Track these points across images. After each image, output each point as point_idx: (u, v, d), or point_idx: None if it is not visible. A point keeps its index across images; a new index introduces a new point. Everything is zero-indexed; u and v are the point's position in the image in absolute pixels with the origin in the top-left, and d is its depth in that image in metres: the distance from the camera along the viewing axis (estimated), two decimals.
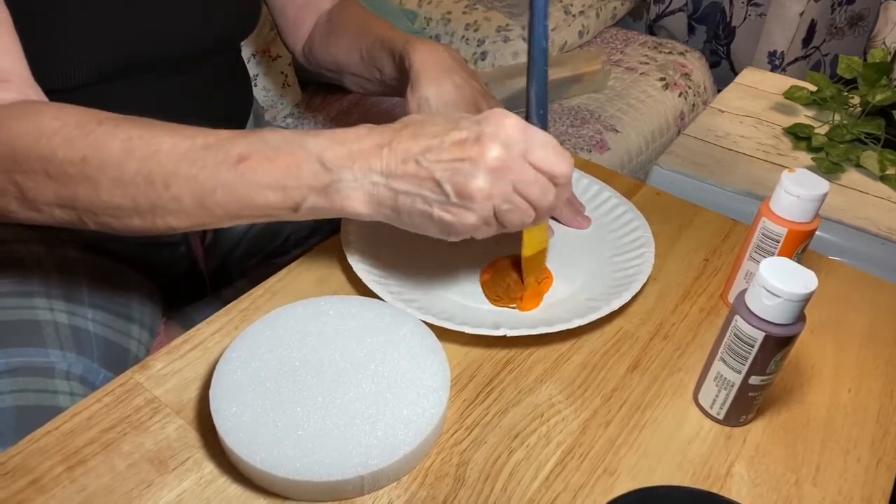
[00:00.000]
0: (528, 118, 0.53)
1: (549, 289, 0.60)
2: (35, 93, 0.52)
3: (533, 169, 0.46)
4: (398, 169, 0.45)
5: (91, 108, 0.48)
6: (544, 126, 0.53)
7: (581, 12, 1.68)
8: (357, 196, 0.46)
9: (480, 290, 0.59)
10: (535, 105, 0.53)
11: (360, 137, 0.46)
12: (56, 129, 0.46)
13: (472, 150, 0.44)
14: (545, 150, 0.46)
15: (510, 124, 0.45)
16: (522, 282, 0.58)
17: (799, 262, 0.53)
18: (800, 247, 0.54)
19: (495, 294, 0.58)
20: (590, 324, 0.54)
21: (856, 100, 1.27)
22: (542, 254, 0.58)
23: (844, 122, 1.22)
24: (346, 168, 0.45)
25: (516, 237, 0.55)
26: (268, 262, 0.82)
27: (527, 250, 0.57)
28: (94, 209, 0.47)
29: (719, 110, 1.33)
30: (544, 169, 0.46)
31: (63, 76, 0.57)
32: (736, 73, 1.75)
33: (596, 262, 0.63)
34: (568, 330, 0.53)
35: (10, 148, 0.46)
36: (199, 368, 0.51)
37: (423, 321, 0.53)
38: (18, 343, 0.59)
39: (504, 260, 0.61)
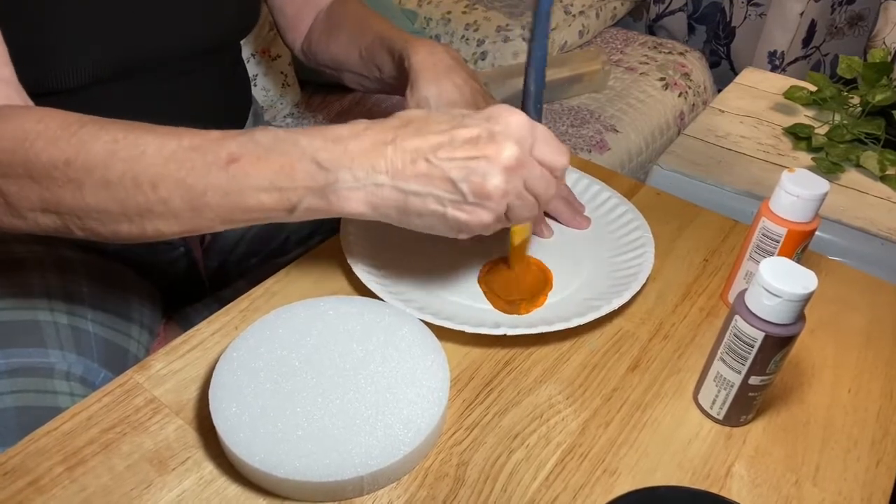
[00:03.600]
0: (524, 111, 0.53)
1: (549, 291, 0.59)
2: (19, 97, 0.51)
3: (538, 164, 0.46)
4: (407, 168, 0.44)
5: (89, 109, 0.48)
6: (538, 119, 0.54)
7: (581, 12, 1.68)
8: (357, 196, 0.45)
9: (479, 289, 0.59)
10: (532, 99, 0.53)
11: (357, 135, 0.45)
12: (39, 132, 0.45)
13: (487, 148, 0.44)
14: (548, 144, 0.46)
15: (518, 121, 0.45)
16: (511, 269, 0.60)
17: (799, 262, 0.53)
18: (800, 247, 0.54)
19: (496, 298, 0.58)
20: (590, 323, 0.54)
21: (856, 100, 1.27)
22: (527, 241, 0.59)
23: (844, 122, 1.21)
24: (344, 168, 0.44)
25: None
26: (267, 262, 0.82)
27: (516, 238, 0.57)
28: (79, 213, 0.45)
29: (719, 110, 1.33)
30: (547, 163, 0.46)
31: (61, 78, 0.57)
32: (736, 73, 1.75)
33: (596, 262, 0.63)
34: (568, 329, 0.53)
35: None
36: (199, 369, 0.51)
37: (423, 321, 0.53)
38: (18, 343, 0.59)
39: (501, 262, 0.61)
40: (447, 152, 0.44)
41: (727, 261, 0.65)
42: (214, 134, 0.45)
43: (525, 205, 0.47)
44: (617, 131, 1.43)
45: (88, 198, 0.45)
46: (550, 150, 0.46)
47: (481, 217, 0.45)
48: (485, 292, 0.59)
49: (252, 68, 1.24)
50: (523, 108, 0.53)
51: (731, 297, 0.59)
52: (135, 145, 0.44)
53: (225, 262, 0.82)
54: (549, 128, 1.40)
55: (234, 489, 0.44)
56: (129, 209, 0.45)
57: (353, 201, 0.45)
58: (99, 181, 0.44)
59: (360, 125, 0.46)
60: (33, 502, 0.42)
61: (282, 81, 1.29)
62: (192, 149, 0.44)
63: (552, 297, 0.59)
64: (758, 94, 1.40)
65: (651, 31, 2.04)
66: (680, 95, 1.62)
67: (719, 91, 1.49)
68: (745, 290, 0.46)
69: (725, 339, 0.47)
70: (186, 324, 0.76)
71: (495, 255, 0.62)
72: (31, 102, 0.52)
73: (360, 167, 0.44)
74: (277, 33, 0.86)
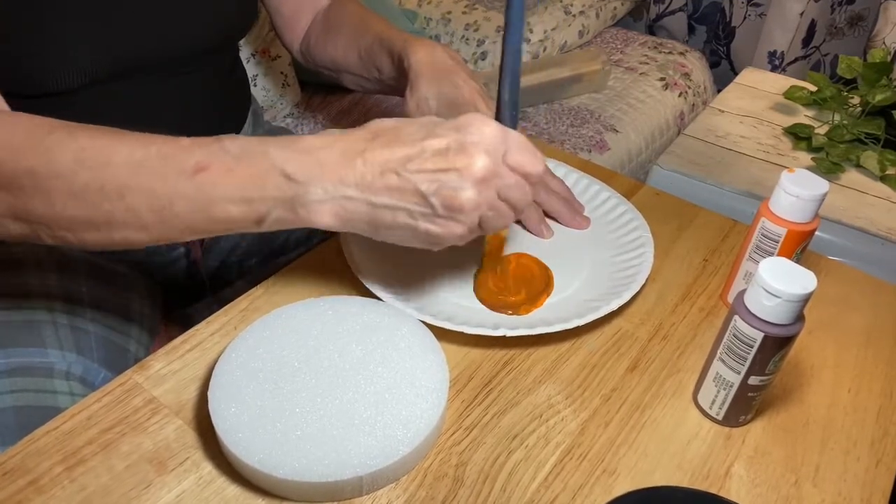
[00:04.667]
0: (498, 119, 0.52)
1: (549, 295, 0.59)
2: None
3: (512, 172, 0.45)
4: (377, 182, 0.43)
5: (88, 110, 0.48)
6: (514, 127, 0.52)
7: (581, 12, 1.68)
8: (326, 209, 0.44)
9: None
10: (507, 107, 0.51)
11: (327, 146, 0.44)
12: (5, 140, 0.44)
13: (457, 160, 0.43)
14: (521, 152, 0.45)
15: (490, 132, 0.44)
16: (487, 272, 0.60)
17: (798, 262, 0.53)
18: (799, 247, 0.54)
19: (490, 298, 0.58)
20: (589, 324, 0.54)
21: (856, 100, 1.27)
22: (501, 247, 0.59)
23: (844, 122, 1.21)
24: (313, 180, 0.43)
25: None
26: (267, 262, 0.82)
27: (488, 246, 0.58)
28: (47, 222, 0.45)
29: (719, 110, 1.33)
30: (522, 170, 0.46)
31: (59, 79, 0.57)
32: (736, 73, 1.75)
33: (595, 263, 0.63)
34: (567, 330, 0.53)
35: None
36: (198, 369, 0.51)
37: (422, 321, 0.53)
38: (18, 343, 0.59)
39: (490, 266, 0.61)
40: (417, 164, 0.43)
41: (727, 261, 0.65)
42: (184, 142, 0.44)
43: (499, 214, 0.46)
44: (617, 131, 1.43)
45: (57, 207, 0.44)
46: (525, 157, 0.45)
47: (453, 230, 0.45)
48: (481, 300, 0.58)
49: (252, 68, 1.24)
50: (498, 117, 0.52)
51: (731, 298, 0.59)
52: (101, 153, 0.43)
53: (225, 262, 0.82)
54: (548, 128, 1.41)
55: (233, 489, 0.44)
56: (96, 219, 0.44)
57: (322, 214, 0.44)
58: (66, 191, 0.43)
59: (331, 136, 0.45)
60: (33, 502, 0.42)
61: (282, 81, 1.29)
62: (161, 157, 0.44)
63: (552, 298, 0.59)
64: (758, 94, 1.40)
65: (651, 31, 2.04)
66: (680, 95, 1.62)
67: (719, 91, 1.49)
68: (745, 290, 0.46)
69: (725, 340, 0.47)
70: (186, 324, 0.76)
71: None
72: (4, 106, 0.51)
73: (328, 179, 0.43)
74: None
